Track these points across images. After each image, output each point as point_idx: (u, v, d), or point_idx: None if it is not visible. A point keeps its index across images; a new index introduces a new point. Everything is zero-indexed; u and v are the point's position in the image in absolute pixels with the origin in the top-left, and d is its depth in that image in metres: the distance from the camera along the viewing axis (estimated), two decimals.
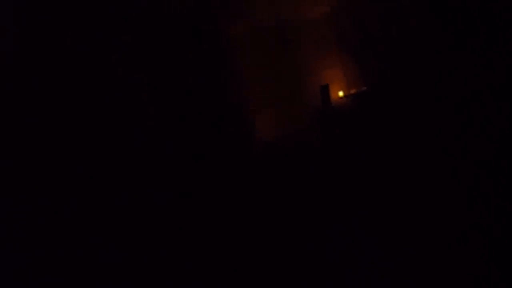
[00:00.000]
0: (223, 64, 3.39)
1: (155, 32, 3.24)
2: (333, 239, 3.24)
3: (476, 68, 3.07)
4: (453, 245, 3.00)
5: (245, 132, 3.41)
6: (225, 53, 3.40)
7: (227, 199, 3.24)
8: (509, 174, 2.93)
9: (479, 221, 2.97)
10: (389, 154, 3.34)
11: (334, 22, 3.52)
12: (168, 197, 3.17)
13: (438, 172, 3.16)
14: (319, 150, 3.51)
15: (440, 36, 3.19)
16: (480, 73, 3.07)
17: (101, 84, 3.13)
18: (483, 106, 3.08)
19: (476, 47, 3.06)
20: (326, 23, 3.53)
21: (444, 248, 3.03)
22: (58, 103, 3.09)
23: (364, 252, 3.17)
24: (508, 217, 2.91)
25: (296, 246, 3.19)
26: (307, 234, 3.24)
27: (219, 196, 3.23)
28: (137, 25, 3.20)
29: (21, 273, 2.88)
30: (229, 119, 3.37)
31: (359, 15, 3.47)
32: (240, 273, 3.09)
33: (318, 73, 3.60)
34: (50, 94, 3.08)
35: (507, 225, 2.90)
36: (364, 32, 3.47)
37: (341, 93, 3.64)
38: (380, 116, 3.48)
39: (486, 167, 2.99)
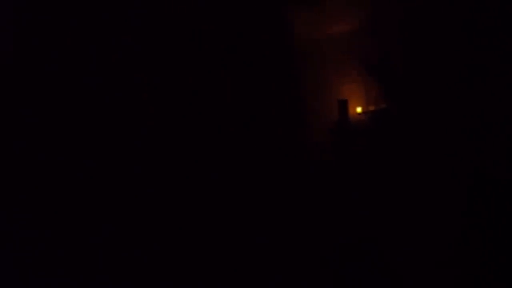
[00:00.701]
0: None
1: (161, 33, 3.29)
2: (337, 244, 3.25)
3: (498, 90, 3.01)
4: (453, 246, 2.96)
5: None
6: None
7: (229, 201, 3.27)
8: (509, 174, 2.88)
9: (479, 221, 2.92)
10: (398, 171, 3.32)
11: (356, 40, 3.54)
12: (166, 198, 3.20)
13: (441, 179, 3.12)
14: (331, 163, 3.53)
15: (461, 57, 3.15)
16: (502, 95, 3.01)
17: (104, 84, 3.19)
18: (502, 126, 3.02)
19: (499, 68, 3.01)
20: (348, 40, 3.56)
21: (444, 249, 2.99)
22: (58, 103, 3.14)
23: (368, 256, 3.16)
24: (508, 218, 2.85)
25: (299, 249, 3.19)
26: (311, 237, 3.23)
27: (218, 198, 3.27)
28: (142, 26, 3.25)
29: (21, 273, 2.92)
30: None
31: (380, 34, 3.48)
32: (240, 273, 3.11)
33: (337, 88, 3.63)
34: (50, 94, 3.13)
35: (507, 225, 2.84)
36: (385, 51, 3.48)
37: (359, 109, 3.64)
38: (396, 136, 3.46)
39: (487, 169, 2.95)
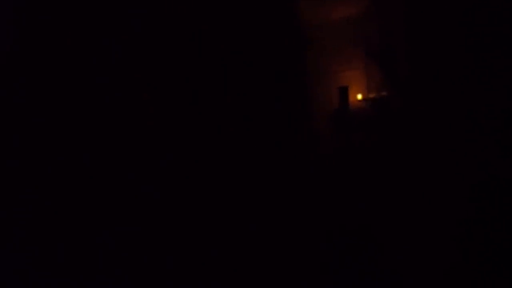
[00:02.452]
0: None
1: (159, 33, 3.27)
2: (339, 242, 3.25)
3: (500, 77, 2.91)
4: (453, 246, 2.94)
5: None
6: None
7: (231, 200, 3.28)
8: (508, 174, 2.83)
9: (478, 221, 2.90)
10: (398, 159, 3.28)
11: (358, 26, 3.45)
12: (167, 197, 3.21)
13: (444, 174, 3.07)
14: (332, 150, 3.50)
15: (465, 46, 3.04)
16: (505, 83, 2.92)
17: (103, 83, 3.18)
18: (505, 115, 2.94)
19: (501, 56, 2.90)
20: (350, 26, 3.47)
21: (444, 249, 2.98)
22: (57, 103, 3.13)
23: (370, 255, 3.17)
24: (508, 218, 2.82)
25: (298, 247, 3.20)
26: (312, 235, 3.24)
27: (221, 197, 3.27)
28: (142, 25, 3.23)
29: (21, 273, 2.93)
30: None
31: (385, 19, 3.37)
32: (240, 273, 3.13)
33: (338, 74, 3.56)
34: (50, 93, 3.13)
35: (507, 225, 2.82)
36: (389, 37, 3.38)
37: (359, 96, 3.58)
38: (396, 124, 3.40)
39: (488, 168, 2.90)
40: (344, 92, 3.57)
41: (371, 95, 3.55)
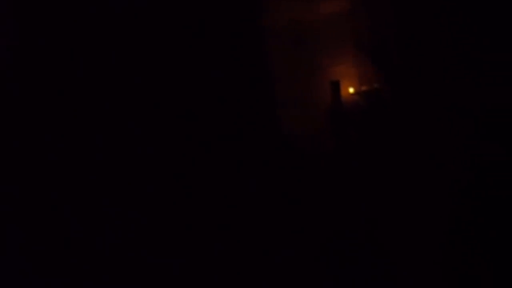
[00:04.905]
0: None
1: (160, 30, 3.18)
2: (338, 241, 3.25)
3: (491, 71, 2.97)
4: (452, 246, 3.00)
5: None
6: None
7: (230, 199, 3.23)
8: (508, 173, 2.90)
9: (478, 221, 2.96)
10: (393, 152, 3.30)
11: (349, 18, 3.43)
12: (168, 197, 3.17)
13: (443, 171, 3.12)
14: (329, 149, 3.49)
15: (456, 37, 3.08)
16: (495, 76, 2.98)
17: (102, 82, 3.11)
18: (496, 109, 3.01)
19: (492, 50, 2.96)
20: (340, 19, 3.44)
21: (443, 249, 3.03)
22: (57, 103, 3.08)
23: (370, 255, 3.18)
24: (507, 218, 2.89)
25: (298, 247, 3.19)
26: (311, 236, 3.24)
27: (221, 196, 3.23)
28: (140, 22, 3.15)
29: (21, 273, 2.90)
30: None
31: (375, 12, 3.37)
32: (239, 272, 3.09)
33: (329, 70, 3.54)
34: (50, 93, 3.07)
35: (506, 225, 2.88)
36: (379, 29, 3.38)
37: (351, 90, 3.58)
38: (389, 115, 3.43)
39: (487, 166, 2.96)
40: (336, 87, 3.55)
41: (364, 88, 3.55)
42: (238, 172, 3.29)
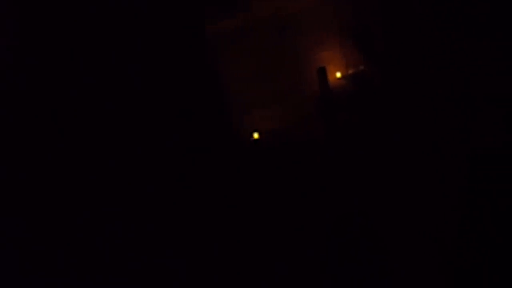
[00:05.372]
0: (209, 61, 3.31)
1: (147, 31, 3.16)
2: (334, 235, 3.24)
3: (473, 54, 3.04)
4: (452, 245, 2.99)
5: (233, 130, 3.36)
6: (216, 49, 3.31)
7: (221, 197, 3.22)
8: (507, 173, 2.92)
9: (477, 221, 2.96)
10: (383, 135, 3.33)
11: (332, 4, 3.45)
12: (161, 195, 3.15)
13: (436, 161, 3.14)
14: (321, 137, 3.50)
15: (438, 20, 3.14)
16: (477, 59, 3.05)
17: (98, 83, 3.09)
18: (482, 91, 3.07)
19: (473, 34, 3.03)
20: (324, 5, 3.46)
21: (443, 248, 3.02)
22: (57, 103, 3.07)
23: (363, 248, 3.17)
24: (506, 217, 2.89)
25: (295, 243, 3.18)
26: (307, 230, 3.23)
27: (212, 194, 3.21)
28: (137, 24, 3.14)
29: (21, 273, 2.89)
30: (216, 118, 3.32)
31: None
32: (239, 272, 3.07)
33: (315, 57, 3.56)
34: (49, 93, 3.05)
35: (505, 225, 2.88)
36: (362, 14, 3.41)
37: (338, 74, 3.61)
38: (378, 97, 3.47)
39: (485, 163, 2.97)
40: (322, 73, 3.57)
41: (350, 71, 3.59)
42: (226, 167, 3.30)
